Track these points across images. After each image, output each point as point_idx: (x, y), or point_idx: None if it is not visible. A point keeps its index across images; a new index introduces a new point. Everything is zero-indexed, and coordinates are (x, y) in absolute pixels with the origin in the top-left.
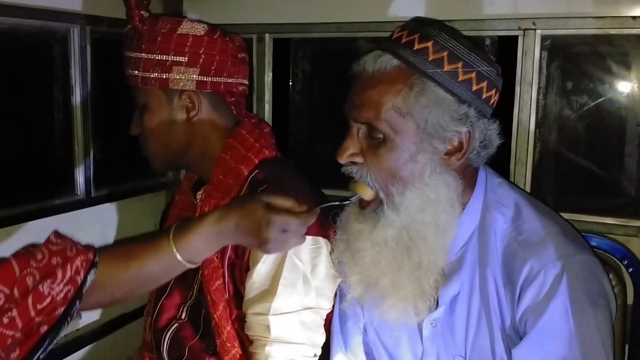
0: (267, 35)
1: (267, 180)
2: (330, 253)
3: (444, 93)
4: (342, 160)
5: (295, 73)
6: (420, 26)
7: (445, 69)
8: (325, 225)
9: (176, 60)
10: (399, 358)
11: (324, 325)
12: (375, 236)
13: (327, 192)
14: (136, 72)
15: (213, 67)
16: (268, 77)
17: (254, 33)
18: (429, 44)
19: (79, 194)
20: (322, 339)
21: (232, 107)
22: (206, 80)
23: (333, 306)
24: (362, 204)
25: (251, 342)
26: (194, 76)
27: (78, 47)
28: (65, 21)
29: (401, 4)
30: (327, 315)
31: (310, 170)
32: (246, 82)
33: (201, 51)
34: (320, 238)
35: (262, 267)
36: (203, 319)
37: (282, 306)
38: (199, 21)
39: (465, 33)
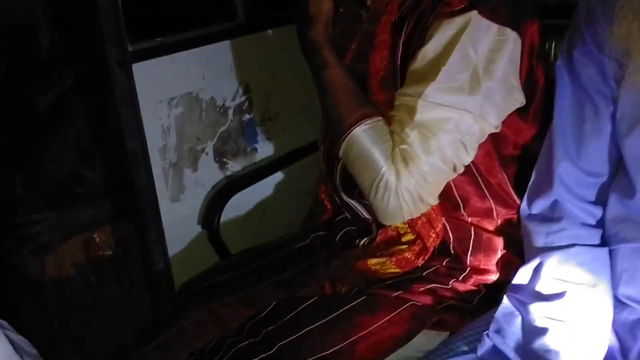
0: None
1: None
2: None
3: None
4: None
5: None
6: None
7: None
8: (525, 17)
9: None
10: None
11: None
12: None
13: None
14: None
15: None
16: None
17: None
18: None
19: (240, 18)
20: (469, 158)
21: None
22: None
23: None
24: None
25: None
26: None
27: None
28: None
29: None
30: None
31: None
32: None
33: None
34: (509, 30)
35: (430, 46)
36: None
37: (437, 95)
38: None
39: None
